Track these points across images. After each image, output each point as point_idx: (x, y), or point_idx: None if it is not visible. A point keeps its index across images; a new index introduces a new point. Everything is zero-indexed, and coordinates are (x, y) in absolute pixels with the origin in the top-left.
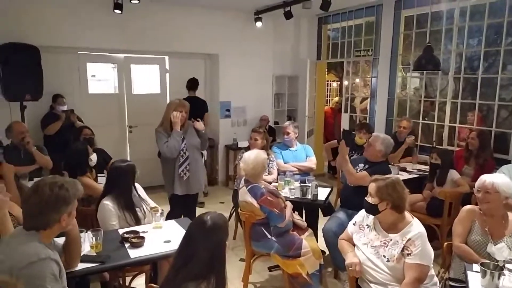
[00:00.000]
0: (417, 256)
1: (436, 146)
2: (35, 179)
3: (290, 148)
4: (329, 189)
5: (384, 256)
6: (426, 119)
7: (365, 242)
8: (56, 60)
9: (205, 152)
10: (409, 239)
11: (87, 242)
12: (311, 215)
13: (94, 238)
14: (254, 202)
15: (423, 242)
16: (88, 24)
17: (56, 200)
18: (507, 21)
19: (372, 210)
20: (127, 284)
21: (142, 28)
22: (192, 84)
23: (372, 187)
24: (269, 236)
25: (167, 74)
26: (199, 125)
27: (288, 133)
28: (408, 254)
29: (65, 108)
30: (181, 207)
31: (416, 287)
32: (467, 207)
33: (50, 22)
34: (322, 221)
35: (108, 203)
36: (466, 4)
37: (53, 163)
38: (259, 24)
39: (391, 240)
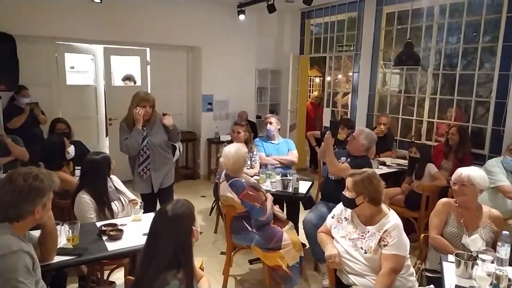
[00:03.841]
0: (393, 247)
1: (415, 141)
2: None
3: (272, 142)
4: (310, 183)
5: (362, 248)
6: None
7: (343, 235)
8: (33, 50)
9: (179, 145)
10: (385, 231)
11: (64, 235)
12: (292, 208)
13: (70, 231)
14: (235, 197)
15: (399, 233)
16: (66, 13)
17: (30, 191)
18: (484, 19)
19: (350, 204)
20: (105, 277)
21: (123, 19)
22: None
23: (349, 181)
24: (250, 229)
25: (148, 66)
26: (168, 120)
27: (270, 123)
28: (384, 245)
29: (28, 100)
30: (148, 202)
31: (393, 277)
32: (443, 200)
33: (26, 10)
34: (303, 214)
35: (84, 196)
36: (445, 1)
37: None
38: (242, 17)
39: (368, 232)
